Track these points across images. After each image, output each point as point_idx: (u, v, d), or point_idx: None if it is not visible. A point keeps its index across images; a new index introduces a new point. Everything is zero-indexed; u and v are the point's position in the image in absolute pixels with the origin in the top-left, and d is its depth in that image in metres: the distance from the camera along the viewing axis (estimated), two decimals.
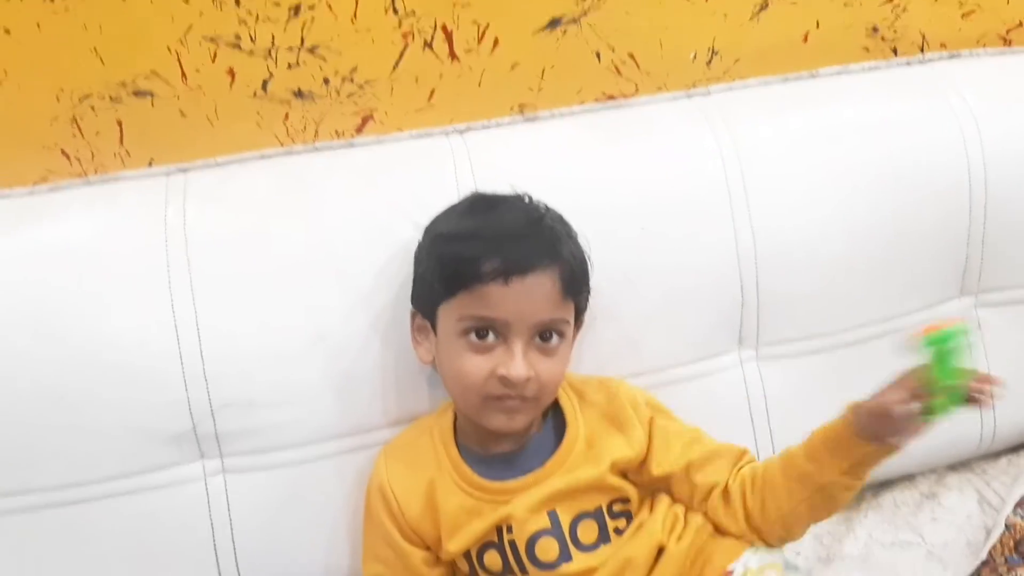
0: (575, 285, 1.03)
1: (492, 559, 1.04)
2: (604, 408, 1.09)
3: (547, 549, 1.02)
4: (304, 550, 1.15)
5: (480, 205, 1.07)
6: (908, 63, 1.34)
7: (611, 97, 1.33)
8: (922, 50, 1.41)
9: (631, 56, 1.32)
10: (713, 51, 1.34)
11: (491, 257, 0.98)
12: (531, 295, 0.99)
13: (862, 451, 0.95)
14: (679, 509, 1.08)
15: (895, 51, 1.40)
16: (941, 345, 0.86)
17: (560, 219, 1.07)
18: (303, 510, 1.14)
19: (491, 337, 1.00)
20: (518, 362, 0.98)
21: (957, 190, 1.25)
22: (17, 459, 1.07)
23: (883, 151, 1.24)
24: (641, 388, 1.13)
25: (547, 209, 1.07)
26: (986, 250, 1.27)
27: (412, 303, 1.09)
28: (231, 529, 1.12)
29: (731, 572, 1.02)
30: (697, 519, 1.07)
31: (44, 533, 1.09)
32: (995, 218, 1.26)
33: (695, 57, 1.34)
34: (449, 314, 1.02)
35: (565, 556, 1.02)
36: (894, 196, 1.23)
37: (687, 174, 1.20)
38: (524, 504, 1.03)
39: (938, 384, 0.86)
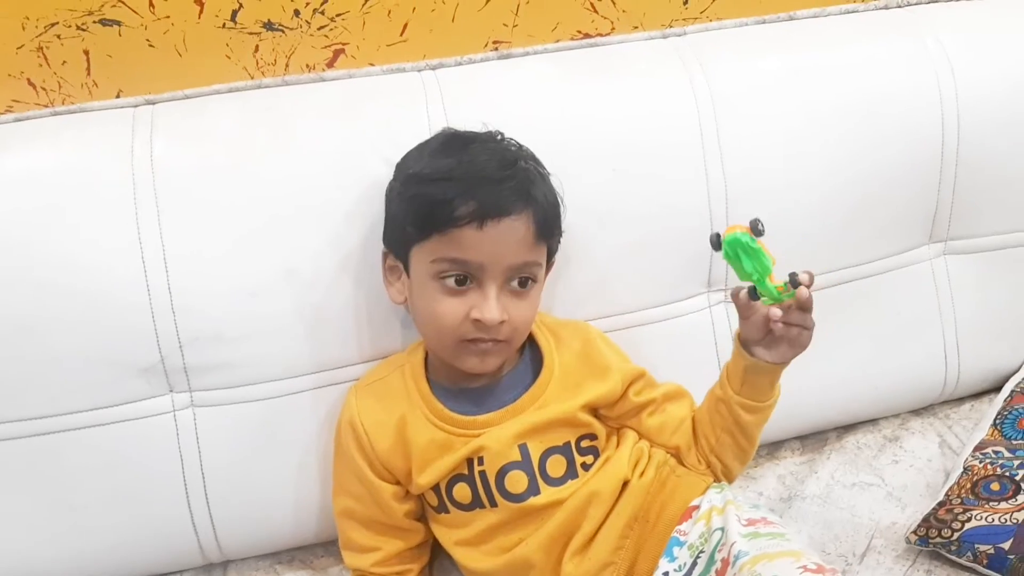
0: (548, 228, 1.03)
1: (461, 491, 1.05)
2: (579, 351, 1.10)
3: (516, 482, 1.04)
4: (274, 485, 1.16)
5: (453, 144, 1.05)
6: (886, 6, 1.33)
7: (586, 35, 1.31)
8: None
9: None
10: None
11: (466, 201, 0.98)
12: (505, 239, 0.99)
13: (743, 364, 1.02)
14: (644, 445, 1.10)
15: None
16: (733, 246, 0.94)
17: (534, 159, 1.06)
18: (273, 445, 1.15)
19: (466, 281, 1.00)
20: (491, 305, 0.99)
21: (930, 135, 1.25)
22: None
23: (857, 95, 1.24)
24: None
25: (520, 148, 1.06)
26: (956, 197, 1.28)
27: (384, 243, 1.08)
28: (200, 463, 1.13)
29: (696, 507, 1.04)
30: (660, 455, 1.09)
31: (12, 464, 1.09)
32: (966, 165, 1.26)
33: None
34: (422, 256, 1.02)
35: (533, 489, 1.04)
36: (867, 140, 1.24)
37: (661, 115, 1.20)
38: (496, 436, 1.04)
39: (746, 276, 0.95)
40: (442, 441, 1.05)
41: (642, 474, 1.07)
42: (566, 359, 1.09)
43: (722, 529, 0.99)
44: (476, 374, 1.05)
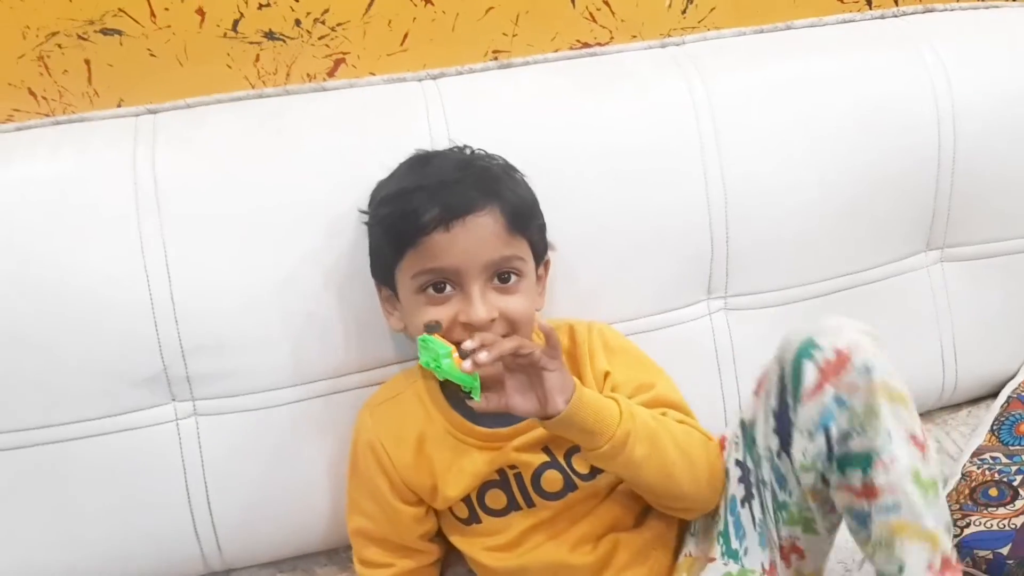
0: (520, 220, 1.01)
1: (495, 498, 1.05)
2: (569, 351, 1.08)
3: (552, 480, 1.03)
4: (277, 493, 1.16)
5: (415, 163, 1.06)
6: (882, 16, 1.34)
7: (586, 45, 1.32)
8: (896, 3, 1.41)
9: (606, 3, 1.31)
10: (689, 0, 1.34)
11: (429, 208, 0.97)
12: (476, 236, 0.98)
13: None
14: None
15: (869, 3, 1.41)
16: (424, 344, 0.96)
17: (495, 160, 1.06)
18: (276, 454, 1.15)
19: (448, 289, 0.99)
20: (477, 305, 0.97)
21: (926, 143, 1.26)
22: None
23: (855, 103, 1.24)
24: (614, 330, 1.13)
25: (485, 155, 1.06)
26: (953, 204, 1.29)
27: (372, 276, 1.08)
28: (203, 472, 1.13)
29: (724, 438, 1.04)
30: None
31: (15, 473, 1.10)
32: (963, 172, 1.27)
33: (670, 5, 1.34)
34: (404, 276, 1.01)
35: (570, 486, 1.04)
36: (864, 148, 1.24)
37: (661, 124, 1.20)
38: (520, 444, 1.03)
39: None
40: (465, 452, 1.04)
41: None
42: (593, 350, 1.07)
43: None
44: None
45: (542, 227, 1.07)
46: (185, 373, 1.10)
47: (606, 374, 1.06)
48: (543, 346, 0.91)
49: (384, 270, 1.05)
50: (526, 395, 0.92)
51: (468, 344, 0.88)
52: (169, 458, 1.12)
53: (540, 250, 1.07)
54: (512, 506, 1.05)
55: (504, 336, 0.97)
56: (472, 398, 0.92)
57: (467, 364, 0.88)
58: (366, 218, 1.08)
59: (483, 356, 0.87)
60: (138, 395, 1.10)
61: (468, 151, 1.07)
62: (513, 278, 1.01)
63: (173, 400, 1.12)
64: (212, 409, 1.13)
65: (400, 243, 1.00)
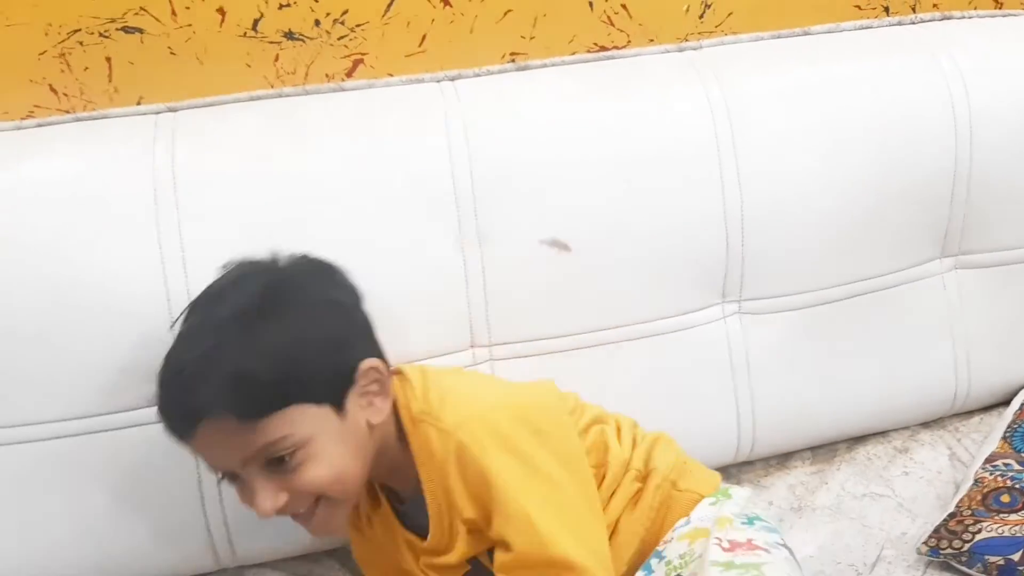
0: (264, 403, 0.85)
1: None
2: (426, 452, 0.94)
3: None
4: None
5: (182, 323, 0.94)
6: (899, 23, 1.34)
7: (603, 48, 1.33)
8: (914, 10, 1.41)
9: (624, 7, 1.32)
10: (706, 4, 1.34)
11: (165, 414, 0.89)
12: (216, 441, 0.86)
13: None
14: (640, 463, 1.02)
15: (887, 10, 1.41)
16: None
17: (258, 293, 0.91)
18: None
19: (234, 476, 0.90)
20: (259, 500, 0.88)
21: (943, 151, 1.26)
22: (1, 394, 1.08)
23: (872, 109, 1.24)
24: (485, 430, 0.91)
25: (245, 288, 0.93)
26: (968, 211, 1.29)
27: None
28: None
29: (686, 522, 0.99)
30: (659, 474, 1.02)
31: (25, 468, 1.10)
32: (978, 179, 1.27)
33: (688, 9, 1.34)
34: None
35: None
36: (881, 155, 1.24)
37: (677, 128, 1.20)
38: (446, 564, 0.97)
39: None
40: (403, 552, 1.01)
41: (635, 505, 1.01)
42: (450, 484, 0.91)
43: (700, 556, 0.92)
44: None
45: (328, 373, 0.90)
46: None
47: (466, 521, 0.92)
48: None
49: None
50: None
51: None
52: (181, 454, 1.11)
53: (335, 391, 0.90)
54: None
55: (316, 504, 0.90)
56: None
57: None
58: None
59: None
60: (152, 391, 1.10)
61: (234, 282, 0.93)
62: (288, 458, 0.87)
63: None
64: None
65: None
